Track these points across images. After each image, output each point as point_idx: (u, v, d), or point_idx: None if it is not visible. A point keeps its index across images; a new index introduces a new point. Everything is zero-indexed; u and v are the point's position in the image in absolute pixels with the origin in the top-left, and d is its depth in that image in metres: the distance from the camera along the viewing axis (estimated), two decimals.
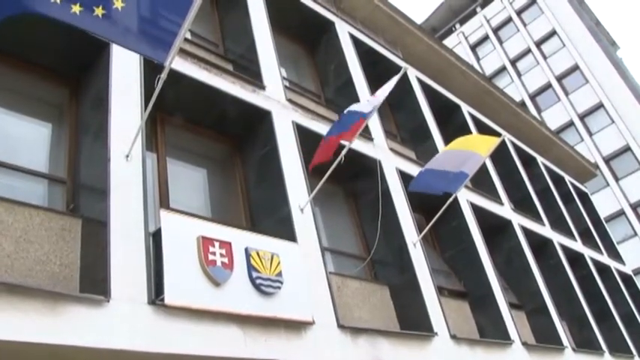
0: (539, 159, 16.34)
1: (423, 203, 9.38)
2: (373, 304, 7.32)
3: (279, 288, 5.38)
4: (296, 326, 5.43)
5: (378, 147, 8.90)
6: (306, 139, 7.38)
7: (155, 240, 4.81)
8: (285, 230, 6.22)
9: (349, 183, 8.47)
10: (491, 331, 8.89)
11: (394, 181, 8.68)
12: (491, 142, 7.59)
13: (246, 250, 5.33)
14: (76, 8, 3.50)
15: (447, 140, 11.76)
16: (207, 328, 4.65)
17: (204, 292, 4.77)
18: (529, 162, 15.65)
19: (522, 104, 32.60)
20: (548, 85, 34.63)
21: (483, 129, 13.53)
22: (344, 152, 6.36)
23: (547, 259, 12.58)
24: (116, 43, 3.91)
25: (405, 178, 8.94)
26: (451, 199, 7.99)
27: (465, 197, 10.24)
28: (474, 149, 7.38)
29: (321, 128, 7.97)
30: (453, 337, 7.49)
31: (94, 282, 4.33)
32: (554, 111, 33.76)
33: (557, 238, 13.52)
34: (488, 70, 37.19)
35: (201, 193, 6.74)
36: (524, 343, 9.12)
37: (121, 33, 3.75)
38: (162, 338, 4.33)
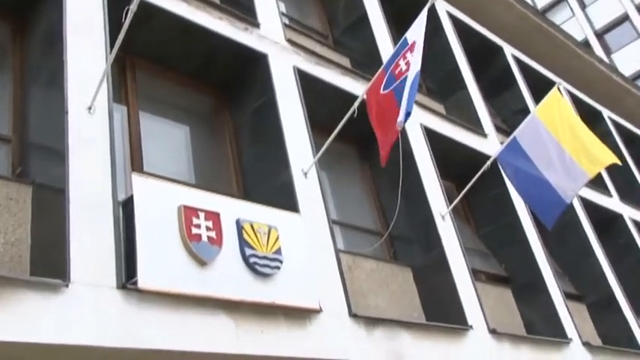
0: (606, 113, 16.01)
1: (455, 168, 9.33)
2: (392, 290, 7.35)
3: (277, 268, 5.37)
4: (299, 315, 5.43)
5: None
6: (311, 89, 7.32)
7: (126, 211, 4.78)
8: (285, 199, 6.20)
9: (363, 142, 8.39)
10: (542, 327, 8.83)
11: (418, 140, 8.63)
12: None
13: (238, 222, 5.30)
14: None
15: (485, 90, 11.76)
16: (190, 317, 4.63)
17: (186, 274, 4.74)
18: (592, 117, 15.15)
19: (585, 44, 31.11)
20: (624, 18, 31.57)
21: (532, 76, 13.26)
22: (357, 103, 6.33)
23: (615, 238, 12.38)
24: None
25: (431, 136, 8.88)
26: (489, 163, 7.90)
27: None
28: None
29: (329, 75, 7.96)
30: (493, 331, 7.47)
31: (49, 263, 4.27)
32: (630, 52, 30.87)
33: (629, 213, 13.33)
34: (541, 2, 35.52)
35: (183, 154, 6.74)
36: (585, 344, 9.02)
37: None
38: (135, 331, 4.29)
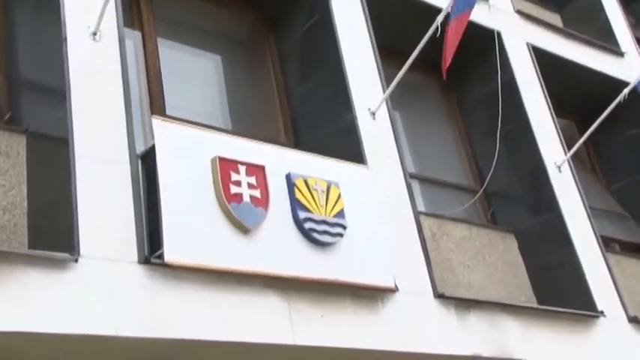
0: None
1: (576, 100, 9.35)
2: (491, 264, 7.38)
3: (340, 236, 5.40)
4: (368, 295, 5.45)
5: (497, 9, 8.68)
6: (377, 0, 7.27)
7: (146, 165, 4.84)
8: (347, 147, 6.23)
9: (449, 71, 8.15)
10: None
11: (524, 64, 8.57)
12: None
13: (289, 177, 5.37)
14: None
15: None
16: (231, 299, 4.67)
17: (225, 244, 4.80)
18: None
19: None
20: None
21: None
22: (440, 18, 6.18)
23: None
24: None
25: (543, 58, 8.77)
26: (626, 91, 7.71)
27: None
28: None
29: None
30: (634, 320, 7.43)
31: (53, 233, 4.31)
32: None
33: None
34: None
35: (215, 92, 6.83)
36: None
37: None
38: (162, 317, 4.32)
